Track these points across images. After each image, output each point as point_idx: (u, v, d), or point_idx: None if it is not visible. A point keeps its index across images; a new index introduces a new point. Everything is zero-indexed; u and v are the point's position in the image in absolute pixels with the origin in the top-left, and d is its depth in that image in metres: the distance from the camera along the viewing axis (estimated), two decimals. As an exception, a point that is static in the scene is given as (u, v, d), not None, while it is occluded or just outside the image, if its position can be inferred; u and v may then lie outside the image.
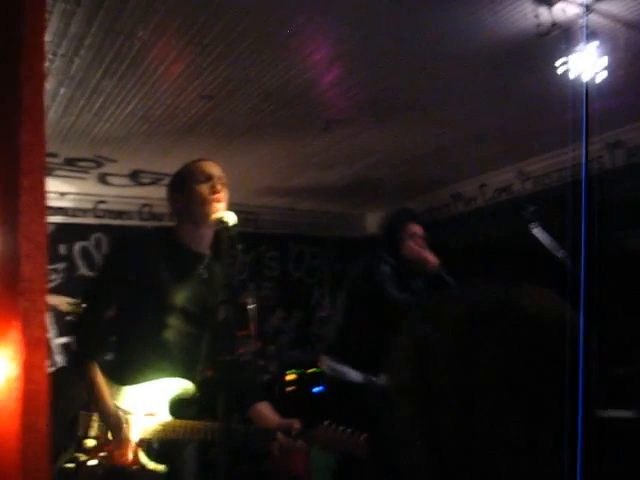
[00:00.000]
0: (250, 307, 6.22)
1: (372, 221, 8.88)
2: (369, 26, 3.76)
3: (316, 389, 6.63)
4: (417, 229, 4.27)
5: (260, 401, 2.97)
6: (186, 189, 2.89)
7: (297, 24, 3.71)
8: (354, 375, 3.97)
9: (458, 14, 3.66)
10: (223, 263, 2.45)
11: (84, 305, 3.06)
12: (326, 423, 2.72)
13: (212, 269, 2.90)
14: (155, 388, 2.81)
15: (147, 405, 2.78)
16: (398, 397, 0.96)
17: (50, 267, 7.19)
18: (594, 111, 4.20)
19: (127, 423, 2.70)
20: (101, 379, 2.74)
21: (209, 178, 2.87)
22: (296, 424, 2.75)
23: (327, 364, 4.29)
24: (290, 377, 6.77)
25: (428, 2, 3.53)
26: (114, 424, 2.69)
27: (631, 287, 5.28)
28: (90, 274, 7.27)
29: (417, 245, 4.21)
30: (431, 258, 4.19)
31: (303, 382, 6.73)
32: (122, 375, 2.81)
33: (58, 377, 2.87)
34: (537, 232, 3.22)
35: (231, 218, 2.74)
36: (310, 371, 6.86)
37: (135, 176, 6.58)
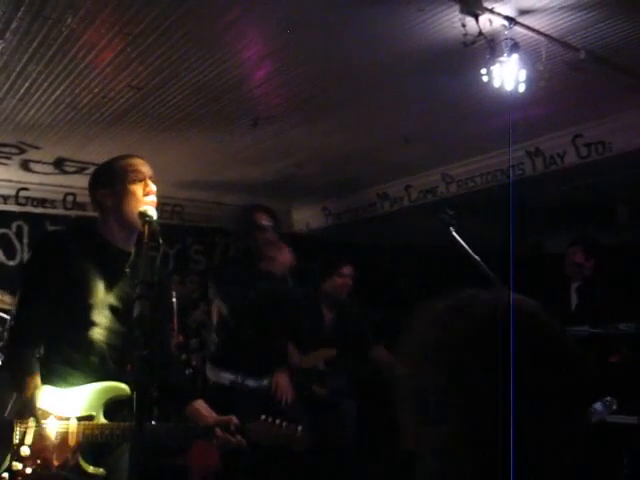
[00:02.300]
0: (173, 301, 6.18)
1: (298, 217, 8.93)
2: (301, 26, 3.80)
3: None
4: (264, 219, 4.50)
5: (195, 399, 2.97)
6: (118, 187, 2.82)
7: (229, 19, 3.72)
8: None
9: (388, 19, 3.74)
10: (143, 258, 2.44)
11: (19, 314, 2.98)
12: (263, 417, 2.74)
13: (137, 266, 2.87)
14: (88, 391, 2.77)
15: (81, 409, 2.74)
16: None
17: (-33, 254, 7.01)
18: (516, 119, 4.36)
19: (63, 428, 2.67)
20: (38, 386, 2.70)
21: (143, 178, 2.84)
22: (234, 420, 2.77)
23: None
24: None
25: (359, 6, 3.60)
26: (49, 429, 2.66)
27: (545, 289, 5.47)
28: (9, 262, 7.09)
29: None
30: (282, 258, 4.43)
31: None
32: (55, 377, 2.76)
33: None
34: (456, 235, 3.31)
35: (154, 212, 2.73)
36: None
37: (59, 164, 6.45)
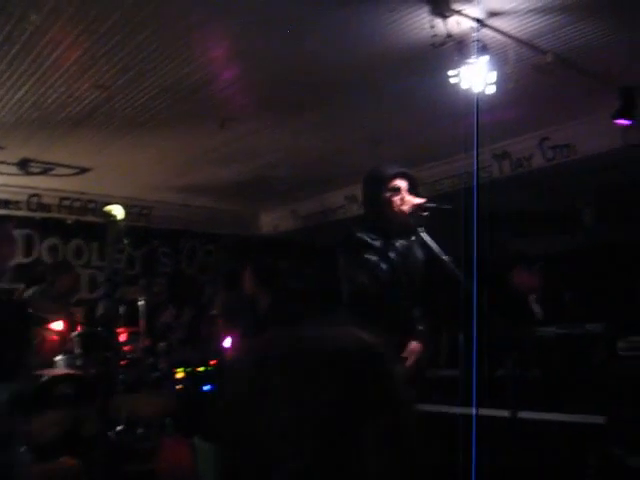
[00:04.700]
0: (140, 303, 6.11)
1: (266, 220, 8.90)
2: (269, 26, 3.78)
3: (205, 387, 6.58)
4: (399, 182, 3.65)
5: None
6: None
7: (197, 19, 3.69)
8: None
9: (356, 20, 3.73)
10: (107, 258, 2.44)
11: None
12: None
13: None
14: None
15: None
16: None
17: None
18: (483, 122, 4.39)
19: None
20: None
21: None
22: None
23: None
24: (179, 375, 6.69)
25: (329, 6, 3.58)
26: None
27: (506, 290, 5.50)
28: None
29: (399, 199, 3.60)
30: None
31: (192, 380, 6.66)
32: None
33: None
34: (425, 236, 3.31)
35: (119, 212, 2.71)
36: (200, 369, 6.79)
37: (24, 165, 6.34)
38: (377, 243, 3.52)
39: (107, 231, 2.62)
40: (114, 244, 2.57)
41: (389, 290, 3.48)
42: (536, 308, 5.36)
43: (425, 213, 3.41)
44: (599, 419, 3.79)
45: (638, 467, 3.65)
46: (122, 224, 2.66)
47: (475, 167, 5.51)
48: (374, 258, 3.47)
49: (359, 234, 3.58)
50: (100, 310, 2.27)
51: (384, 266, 3.46)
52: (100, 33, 3.76)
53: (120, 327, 5.69)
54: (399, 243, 3.52)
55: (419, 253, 3.55)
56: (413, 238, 3.54)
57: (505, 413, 3.67)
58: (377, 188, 3.63)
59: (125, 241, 2.62)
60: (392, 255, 3.48)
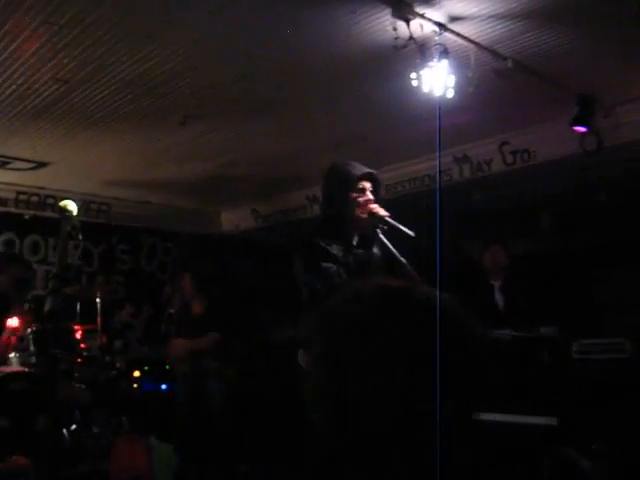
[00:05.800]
0: (97, 300, 6.04)
1: (227, 218, 8.85)
2: (231, 24, 3.77)
3: (163, 386, 6.53)
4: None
5: None
6: None
7: (159, 14, 3.66)
8: None
9: (318, 22, 3.74)
10: (58, 252, 2.41)
11: None
12: None
13: None
14: None
15: None
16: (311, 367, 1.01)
17: None
18: (444, 125, 4.42)
19: None
20: None
21: None
22: None
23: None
24: (137, 374, 6.63)
25: (292, 7, 3.58)
26: None
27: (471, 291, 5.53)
28: None
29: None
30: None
31: (150, 379, 6.61)
32: None
33: None
34: (383, 237, 3.32)
35: (74, 207, 2.67)
36: (158, 368, 6.75)
37: (-22, 158, 6.23)
38: (337, 252, 3.39)
39: (60, 226, 2.58)
40: (66, 239, 2.53)
41: None
42: (499, 298, 5.39)
43: (385, 227, 3.33)
44: (553, 421, 3.85)
45: (590, 469, 3.71)
46: (76, 219, 2.62)
47: (438, 169, 5.57)
48: (333, 267, 3.33)
49: (318, 242, 3.43)
50: (47, 306, 2.20)
51: (343, 275, 3.32)
52: (60, 25, 3.71)
53: (76, 324, 5.62)
54: (360, 252, 3.41)
55: (380, 263, 3.48)
56: (375, 250, 3.46)
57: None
58: (344, 187, 3.48)
59: (80, 237, 2.57)
60: (352, 264, 3.37)
